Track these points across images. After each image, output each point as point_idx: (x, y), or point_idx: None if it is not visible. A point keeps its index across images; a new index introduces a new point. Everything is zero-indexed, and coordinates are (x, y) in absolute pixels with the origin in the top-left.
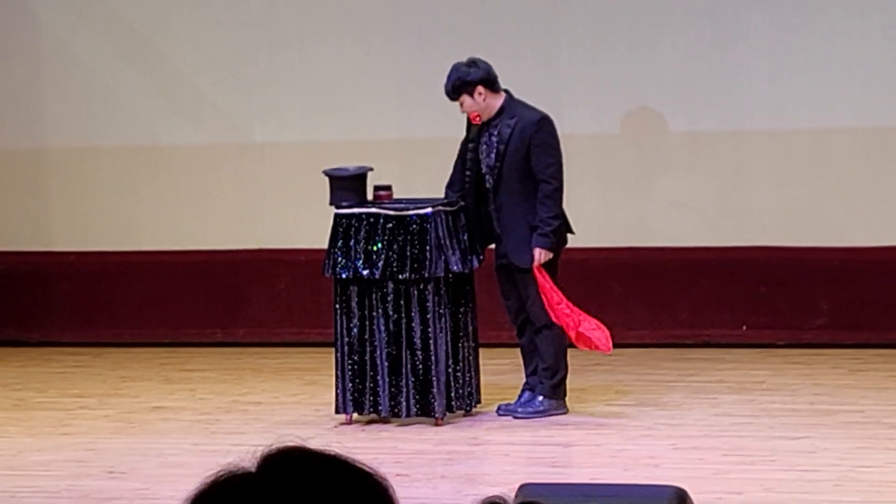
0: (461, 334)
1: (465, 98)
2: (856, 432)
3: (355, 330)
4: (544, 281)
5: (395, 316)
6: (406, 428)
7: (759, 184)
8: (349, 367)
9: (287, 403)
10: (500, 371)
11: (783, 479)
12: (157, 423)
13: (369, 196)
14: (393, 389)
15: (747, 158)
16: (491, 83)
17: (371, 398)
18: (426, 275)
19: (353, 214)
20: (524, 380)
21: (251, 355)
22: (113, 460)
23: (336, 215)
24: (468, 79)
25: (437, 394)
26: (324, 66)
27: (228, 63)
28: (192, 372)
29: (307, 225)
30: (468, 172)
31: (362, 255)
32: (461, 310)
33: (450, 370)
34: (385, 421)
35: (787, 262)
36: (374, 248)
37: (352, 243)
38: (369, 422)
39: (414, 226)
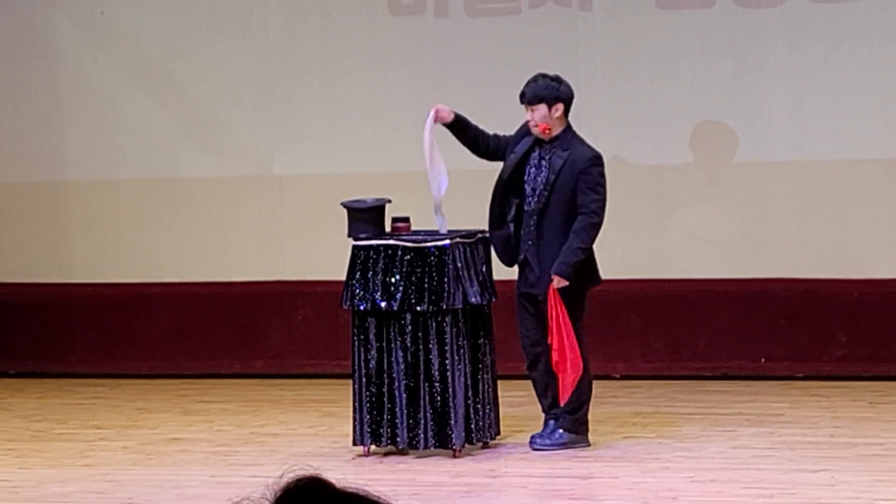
0: (479, 366)
1: (542, 107)
2: (876, 465)
3: (373, 362)
4: (555, 310)
5: (413, 348)
6: (424, 460)
7: (778, 216)
8: (367, 398)
9: (305, 435)
10: (519, 403)
11: None
12: (174, 454)
13: (387, 228)
14: (411, 421)
15: (767, 190)
16: (569, 106)
17: (389, 430)
18: (444, 306)
19: (371, 246)
20: (541, 413)
21: (269, 387)
22: (131, 492)
23: (354, 247)
24: (556, 93)
25: (455, 426)
26: (343, 98)
27: (248, 95)
28: (211, 403)
29: (326, 256)
30: (505, 178)
31: (380, 287)
32: (479, 341)
33: (468, 402)
34: (403, 453)
35: (807, 295)
36: (392, 280)
37: (370, 275)
38: (387, 454)
39: (432, 258)
